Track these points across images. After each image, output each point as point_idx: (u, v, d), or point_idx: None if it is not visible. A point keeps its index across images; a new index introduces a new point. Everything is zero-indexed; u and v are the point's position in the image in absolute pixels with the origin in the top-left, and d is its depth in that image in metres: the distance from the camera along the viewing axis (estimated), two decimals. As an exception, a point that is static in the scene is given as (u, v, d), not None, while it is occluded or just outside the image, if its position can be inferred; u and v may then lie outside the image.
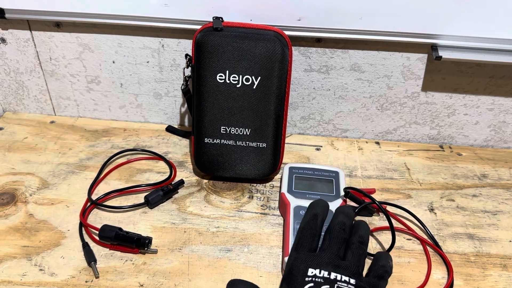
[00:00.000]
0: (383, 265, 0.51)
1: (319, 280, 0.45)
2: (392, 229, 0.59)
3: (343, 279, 0.46)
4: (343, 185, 0.66)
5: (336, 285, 0.45)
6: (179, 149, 0.77)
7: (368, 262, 0.54)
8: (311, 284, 0.45)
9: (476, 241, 0.63)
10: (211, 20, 0.64)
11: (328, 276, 0.46)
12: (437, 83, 0.74)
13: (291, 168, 0.69)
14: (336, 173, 0.69)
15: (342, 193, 0.65)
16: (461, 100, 0.76)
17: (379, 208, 0.61)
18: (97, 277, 0.55)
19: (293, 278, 0.46)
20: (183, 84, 0.71)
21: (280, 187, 0.68)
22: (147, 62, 0.76)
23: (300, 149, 0.79)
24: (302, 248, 0.51)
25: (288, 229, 0.59)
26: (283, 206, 0.65)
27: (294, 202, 0.63)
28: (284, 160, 0.75)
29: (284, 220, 0.64)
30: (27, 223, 0.63)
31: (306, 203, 0.61)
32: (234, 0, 0.67)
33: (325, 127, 0.81)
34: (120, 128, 0.82)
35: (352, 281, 0.46)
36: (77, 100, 0.82)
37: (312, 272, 0.46)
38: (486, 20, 0.66)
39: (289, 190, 0.65)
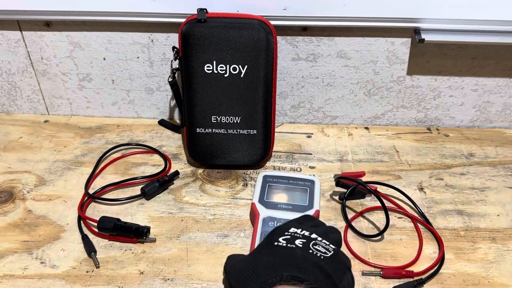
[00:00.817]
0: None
1: (297, 235, 0.47)
2: (385, 210, 0.60)
3: (323, 241, 0.46)
4: (318, 194, 0.65)
5: (313, 241, 0.46)
6: (172, 142, 0.79)
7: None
8: (288, 237, 0.46)
9: (466, 217, 0.65)
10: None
11: (309, 235, 0.47)
12: (422, 66, 0.76)
13: (265, 177, 0.67)
14: (312, 182, 0.67)
15: (316, 203, 0.63)
16: (445, 82, 0.78)
17: (368, 190, 0.62)
18: (97, 267, 0.57)
19: (273, 234, 0.48)
20: (170, 77, 0.73)
21: (253, 196, 0.66)
22: (137, 57, 0.78)
23: (291, 137, 0.81)
24: (289, 222, 0.52)
25: (254, 240, 0.58)
26: (252, 215, 0.63)
27: (264, 212, 0.61)
28: (276, 148, 0.76)
29: (252, 230, 0.62)
30: (26, 219, 0.64)
31: (276, 214, 0.61)
32: (220, -7, 0.69)
33: (315, 114, 0.83)
34: (113, 124, 0.83)
35: (332, 246, 0.46)
36: (70, 98, 0.83)
37: (293, 230, 0.48)
38: (466, 2, 0.68)
39: (260, 200, 0.63)
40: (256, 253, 0.47)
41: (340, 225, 0.63)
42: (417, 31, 0.71)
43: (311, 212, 0.62)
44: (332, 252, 0.45)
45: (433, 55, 0.75)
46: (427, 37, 0.69)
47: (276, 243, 0.46)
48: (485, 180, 0.71)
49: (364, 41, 0.74)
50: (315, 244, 0.45)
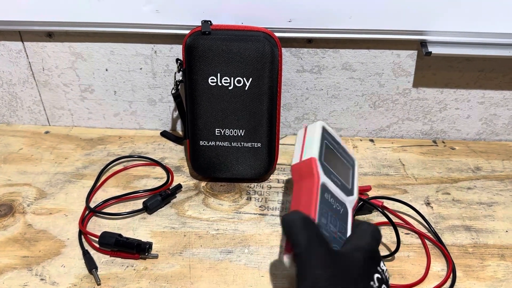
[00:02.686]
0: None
1: (384, 277, 0.44)
2: (395, 230, 0.59)
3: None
4: (357, 179, 0.56)
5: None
6: (175, 154, 0.78)
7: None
8: (379, 276, 0.43)
9: (473, 233, 0.63)
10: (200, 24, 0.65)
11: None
12: (428, 78, 0.75)
13: (324, 130, 0.54)
14: (353, 161, 0.58)
15: (356, 190, 0.54)
16: (452, 94, 0.77)
17: (375, 208, 0.61)
18: (98, 284, 0.55)
19: (371, 265, 0.43)
20: (173, 89, 0.72)
21: (303, 147, 0.52)
22: (140, 68, 0.77)
23: (295, 150, 0.79)
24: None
25: (311, 202, 0.46)
26: (305, 172, 0.49)
27: (323, 177, 0.49)
28: (280, 161, 0.75)
29: (303, 187, 0.49)
30: (26, 233, 0.62)
31: (331, 185, 0.49)
32: (225, 4, 0.68)
33: (319, 126, 0.82)
34: (115, 135, 0.82)
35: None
36: (71, 109, 0.82)
37: (379, 268, 0.44)
38: (473, 15, 0.67)
39: (320, 158, 0.50)
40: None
41: (346, 241, 0.62)
42: (423, 43, 0.70)
43: (353, 200, 0.52)
44: None
45: (439, 68, 0.74)
46: (434, 50, 0.68)
47: (372, 283, 0.41)
48: (492, 195, 0.70)
49: (370, 53, 0.73)
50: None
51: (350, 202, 0.52)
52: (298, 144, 0.54)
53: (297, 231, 0.42)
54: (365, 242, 0.45)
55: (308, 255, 0.41)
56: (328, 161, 0.51)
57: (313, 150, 0.50)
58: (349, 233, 0.49)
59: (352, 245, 0.45)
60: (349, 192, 0.52)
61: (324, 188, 0.48)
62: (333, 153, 0.54)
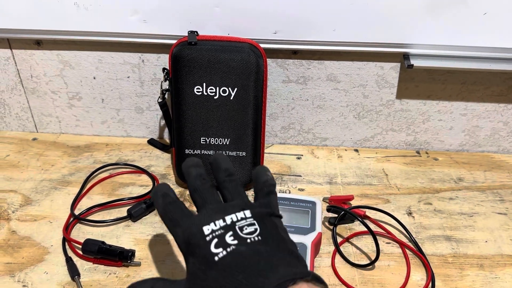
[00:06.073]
0: (264, 181, 0.47)
1: (219, 231, 0.39)
2: (375, 240, 0.60)
3: (239, 217, 0.41)
4: (319, 216, 0.63)
5: (236, 226, 0.40)
6: (161, 162, 0.78)
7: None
8: (216, 240, 0.39)
9: (454, 243, 0.64)
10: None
11: (225, 223, 0.40)
12: (411, 90, 0.77)
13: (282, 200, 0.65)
14: (313, 204, 0.65)
15: (318, 225, 0.62)
16: (435, 106, 0.79)
17: (356, 218, 0.62)
18: (80, 291, 0.56)
19: (195, 246, 0.40)
20: (159, 97, 0.72)
21: None
22: (128, 77, 0.77)
23: (281, 159, 0.80)
24: (181, 220, 0.43)
25: None
26: None
27: None
28: (265, 170, 0.76)
29: None
30: (10, 240, 0.63)
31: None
32: (211, 15, 0.69)
33: (305, 136, 0.83)
34: (102, 143, 0.83)
35: (247, 213, 0.41)
36: (59, 116, 0.83)
37: (208, 229, 0.40)
38: (455, 29, 0.69)
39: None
40: (203, 280, 0.38)
41: (329, 250, 0.63)
42: (406, 56, 0.71)
43: (313, 235, 0.60)
44: (255, 221, 0.41)
45: (422, 80, 0.76)
46: (416, 62, 0.70)
47: (216, 258, 0.38)
48: (473, 205, 0.71)
49: (354, 65, 0.74)
50: (241, 228, 0.40)
51: (310, 237, 0.60)
52: None
53: None
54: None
55: None
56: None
57: None
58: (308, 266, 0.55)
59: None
60: (308, 231, 0.61)
61: None
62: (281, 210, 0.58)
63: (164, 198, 0.45)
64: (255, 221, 0.41)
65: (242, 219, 0.41)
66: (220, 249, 0.38)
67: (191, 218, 0.42)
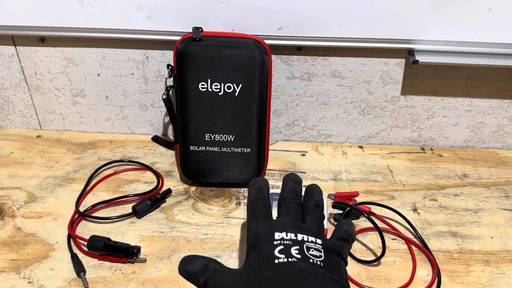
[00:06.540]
0: (346, 230, 0.48)
1: (288, 242, 0.42)
2: (381, 236, 0.60)
3: (309, 240, 0.43)
4: (325, 213, 0.59)
5: (304, 245, 0.42)
6: (165, 159, 0.78)
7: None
8: (281, 247, 0.41)
9: (459, 239, 0.64)
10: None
11: (296, 238, 0.43)
12: (416, 86, 0.77)
13: (271, 195, 0.62)
14: None
15: (324, 222, 0.57)
16: (439, 102, 0.78)
17: (362, 214, 0.62)
18: (86, 288, 0.56)
19: (261, 245, 0.42)
20: (164, 94, 0.72)
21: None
22: (132, 74, 0.77)
23: (286, 155, 0.80)
24: (260, 217, 0.46)
25: None
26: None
27: None
28: (270, 166, 0.76)
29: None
30: (15, 236, 0.63)
31: None
32: (216, 11, 0.69)
33: (310, 133, 0.83)
34: (106, 140, 0.83)
35: (319, 241, 0.43)
36: (63, 113, 0.83)
37: (279, 236, 0.43)
38: (460, 25, 0.69)
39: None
40: (257, 275, 0.40)
41: (333, 246, 0.63)
42: (411, 52, 0.71)
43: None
44: (323, 250, 0.42)
45: (427, 76, 0.75)
46: (421, 58, 0.69)
47: (276, 261, 0.40)
48: (478, 202, 0.71)
49: (358, 61, 0.74)
50: (308, 249, 0.42)
51: None
52: None
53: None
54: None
55: None
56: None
57: None
58: None
59: None
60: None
61: None
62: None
63: (258, 191, 0.49)
64: (322, 250, 0.42)
65: (312, 242, 0.43)
66: (283, 256, 0.40)
67: (269, 220, 0.46)
